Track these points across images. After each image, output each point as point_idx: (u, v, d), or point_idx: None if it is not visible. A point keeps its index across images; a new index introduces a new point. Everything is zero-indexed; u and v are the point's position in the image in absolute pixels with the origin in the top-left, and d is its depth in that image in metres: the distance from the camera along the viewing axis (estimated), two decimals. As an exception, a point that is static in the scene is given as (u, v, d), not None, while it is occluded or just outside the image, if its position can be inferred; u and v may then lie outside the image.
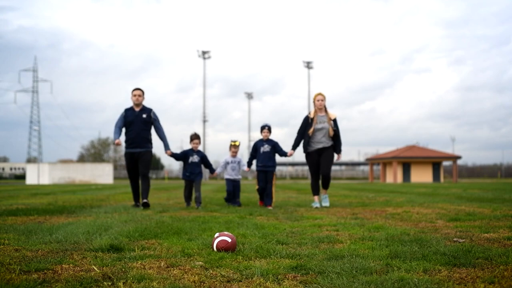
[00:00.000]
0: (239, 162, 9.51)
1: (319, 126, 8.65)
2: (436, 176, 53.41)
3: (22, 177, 68.57)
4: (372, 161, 60.90)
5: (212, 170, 9.17)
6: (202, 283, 2.72)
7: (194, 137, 9.00)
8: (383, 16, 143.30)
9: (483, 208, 7.86)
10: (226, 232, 3.87)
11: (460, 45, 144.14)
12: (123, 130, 8.79)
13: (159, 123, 8.87)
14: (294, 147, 8.86)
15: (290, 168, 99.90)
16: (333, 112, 8.77)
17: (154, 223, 5.69)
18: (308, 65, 69.09)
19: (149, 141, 8.78)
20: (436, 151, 55.97)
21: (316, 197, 8.83)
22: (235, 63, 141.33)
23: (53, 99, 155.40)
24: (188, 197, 9.01)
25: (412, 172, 53.39)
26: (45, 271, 3.01)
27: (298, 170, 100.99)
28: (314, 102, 8.78)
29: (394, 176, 52.23)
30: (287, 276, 2.86)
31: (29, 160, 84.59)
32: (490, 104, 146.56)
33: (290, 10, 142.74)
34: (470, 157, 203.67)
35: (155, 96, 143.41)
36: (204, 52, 60.90)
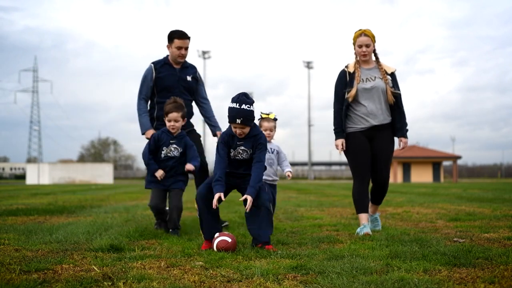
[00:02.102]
0: (277, 153, 5.02)
1: (366, 85, 4.86)
2: (436, 176, 53.40)
3: (22, 177, 68.56)
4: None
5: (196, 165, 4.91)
6: (202, 283, 2.72)
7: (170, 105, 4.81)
8: (389, 18, 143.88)
9: (483, 208, 7.86)
10: (226, 232, 3.87)
11: (464, 46, 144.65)
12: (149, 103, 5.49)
13: (204, 91, 5.69)
14: (337, 129, 4.96)
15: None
16: (388, 65, 5.02)
17: (154, 222, 5.69)
18: (308, 65, 69.03)
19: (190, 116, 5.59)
20: (436, 151, 55.97)
21: (363, 217, 4.84)
22: (239, 63, 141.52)
23: (53, 99, 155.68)
24: (160, 214, 5.00)
25: (412, 172, 53.39)
26: (45, 271, 3.01)
27: (298, 170, 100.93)
28: (354, 48, 4.95)
29: (394, 176, 52.22)
30: (287, 276, 2.86)
31: (29, 160, 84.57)
32: (492, 104, 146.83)
33: (295, 10, 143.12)
34: (470, 157, 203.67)
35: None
36: (204, 52, 60.89)
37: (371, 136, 4.89)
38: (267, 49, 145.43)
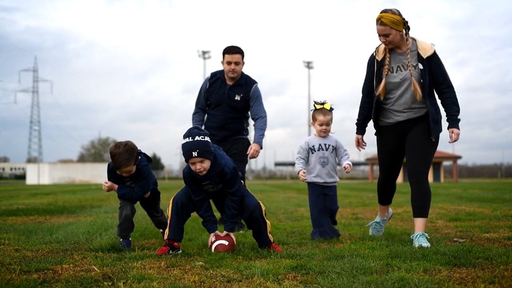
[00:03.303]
0: (334, 149, 4.51)
1: (396, 77, 4.17)
2: (436, 176, 53.36)
3: (22, 177, 68.53)
4: (372, 161, 60.84)
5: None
6: (202, 283, 2.72)
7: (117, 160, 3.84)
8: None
9: (483, 208, 7.86)
10: (222, 234, 3.79)
11: (465, 46, 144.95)
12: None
13: (259, 108, 5.56)
14: (361, 126, 4.50)
15: (290, 168, 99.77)
16: (426, 44, 4.16)
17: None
18: (308, 65, 69.05)
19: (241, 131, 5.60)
20: (436, 151, 55.93)
21: (381, 209, 4.64)
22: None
23: (53, 99, 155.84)
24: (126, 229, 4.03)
25: (412, 172, 53.31)
26: (45, 271, 3.01)
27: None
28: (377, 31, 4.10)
29: (394, 176, 52.12)
30: (287, 276, 2.86)
31: (29, 160, 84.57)
32: (493, 104, 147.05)
33: (295, 10, 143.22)
34: (470, 157, 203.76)
35: (161, 96, 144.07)
36: (204, 52, 60.90)
37: (404, 130, 4.23)
38: (268, 49, 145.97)
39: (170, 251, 3.68)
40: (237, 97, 5.36)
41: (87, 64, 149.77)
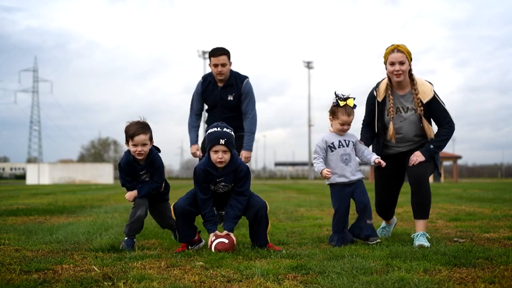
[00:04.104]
0: (354, 145, 4.20)
1: (397, 119, 4.18)
2: (436, 176, 53.37)
3: (23, 177, 68.56)
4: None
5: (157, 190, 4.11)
6: (202, 283, 2.72)
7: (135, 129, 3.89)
8: (392, 19, 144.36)
9: (483, 208, 7.86)
10: (222, 233, 3.79)
11: (465, 46, 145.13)
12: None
13: (249, 105, 5.53)
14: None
15: (290, 168, 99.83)
16: (426, 87, 4.12)
17: (154, 223, 5.69)
18: (308, 65, 69.04)
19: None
20: (436, 151, 55.92)
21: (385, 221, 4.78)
22: (239, 64, 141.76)
23: (53, 99, 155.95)
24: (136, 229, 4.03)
25: (412, 172, 53.37)
26: (46, 271, 3.01)
27: (298, 170, 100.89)
28: (386, 67, 4.13)
29: (394, 176, 52.17)
30: (287, 276, 2.86)
31: (29, 160, 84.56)
32: (493, 104, 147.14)
33: (297, 11, 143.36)
34: (470, 157, 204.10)
35: (161, 96, 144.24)
36: (204, 52, 60.90)
37: (404, 156, 4.25)
38: (268, 49, 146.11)
39: (189, 247, 3.87)
40: (230, 97, 5.39)
41: (87, 64, 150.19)
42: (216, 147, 3.65)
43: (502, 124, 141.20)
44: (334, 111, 4.08)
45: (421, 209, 4.07)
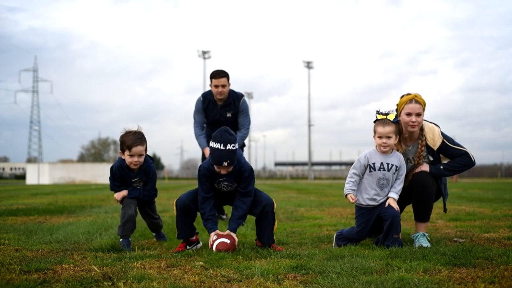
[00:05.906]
0: (397, 169, 3.92)
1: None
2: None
3: (23, 177, 68.54)
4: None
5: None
6: (202, 283, 2.72)
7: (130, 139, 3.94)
8: (393, 19, 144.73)
9: (483, 208, 7.86)
10: (223, 233, 3.80)
11: (466, 46, 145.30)
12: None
13: (244, 119, 6.01)
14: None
15: (290, 168, 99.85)
16: (434, 134, 4.08)
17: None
18: (308, 65, 69.00)
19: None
20: (436, 151, 55.86)
21: None
22: (240, 64, 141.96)
23: (54, 99, 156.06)
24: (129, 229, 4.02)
25: (412, 172, 53.30)
26: (45, 271, 3.02)
27: (298, 170, 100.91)
28: (399, 115, 4.02)
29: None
30: (287, 276, 2.86)
31: (29, 160, 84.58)
32: (494, 104, 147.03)
33: (297, 11, 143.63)
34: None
35: (163, 97, 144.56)
36: (204, 52, 60.88)
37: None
38: (268, 49, 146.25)
39: (187, 247, 3.87)
40: (229, 114, 5.90)
41: (89, 65, 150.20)
42: (219, 167, 3.75)
43: (503, 124, 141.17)
44: (374, 127, 3.90)
45: (422, 212, 4.04)
